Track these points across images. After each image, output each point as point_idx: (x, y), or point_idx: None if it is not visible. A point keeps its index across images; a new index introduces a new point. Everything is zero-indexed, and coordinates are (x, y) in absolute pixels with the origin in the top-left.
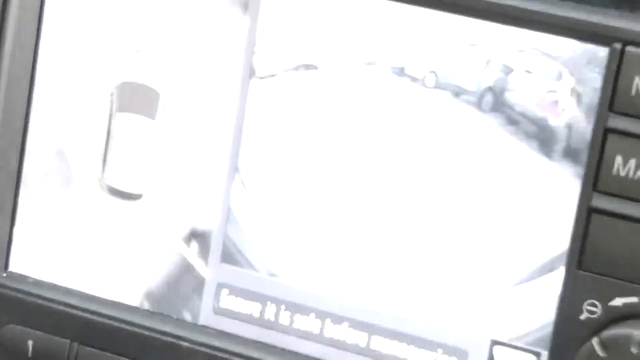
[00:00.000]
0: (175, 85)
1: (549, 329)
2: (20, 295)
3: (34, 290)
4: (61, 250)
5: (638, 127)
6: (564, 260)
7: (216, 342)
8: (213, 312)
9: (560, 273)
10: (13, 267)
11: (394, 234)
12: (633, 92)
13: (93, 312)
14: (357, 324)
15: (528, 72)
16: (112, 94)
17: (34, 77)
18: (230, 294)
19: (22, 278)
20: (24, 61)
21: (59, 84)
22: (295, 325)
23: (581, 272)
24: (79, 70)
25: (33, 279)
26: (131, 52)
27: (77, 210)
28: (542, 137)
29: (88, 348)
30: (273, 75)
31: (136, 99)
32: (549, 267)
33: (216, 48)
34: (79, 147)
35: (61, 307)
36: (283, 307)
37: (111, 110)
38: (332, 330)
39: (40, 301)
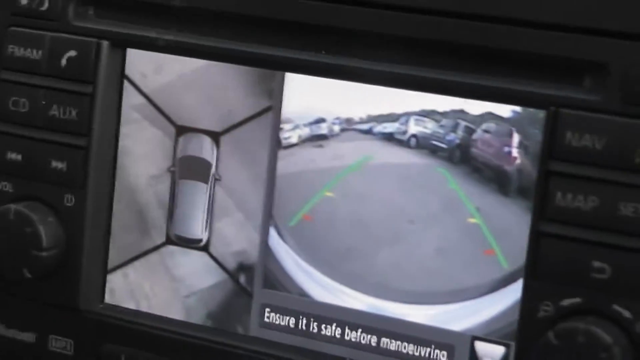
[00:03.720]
0: (222, 156)
1: (515, 325)
2: (112, 321)
3: (124, 317)
4: (142, 285)
5: (572, 169)
6: (522, 272)
7: (263, 349)
8: (259, 325)
9: (521, 282)
10: (107, 299)
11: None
12: (567, 142)
13: (168, 331)
14: (368, 329)
15: (486, 131)
16: (174, 166)
17: (116, 162)
18: (271, 311)
19: (114, 307)
20: (108, 147)
21: (133, 161)
22: (322, 332)
23: (537, 281)
24: (149, 148)
25: (122, 307)
26: (187, 133)
27: (152, 254)
28: (500, 180)
29: (165, 359)
30: (295, 145)
31: (193, 168)
32: (513, 278)
33: (252, 126)
34: (152, 207)
35: (144, 328)
36: (312, 319)
37: (174, 177)
38: (350, 335)
39: (129, 324)
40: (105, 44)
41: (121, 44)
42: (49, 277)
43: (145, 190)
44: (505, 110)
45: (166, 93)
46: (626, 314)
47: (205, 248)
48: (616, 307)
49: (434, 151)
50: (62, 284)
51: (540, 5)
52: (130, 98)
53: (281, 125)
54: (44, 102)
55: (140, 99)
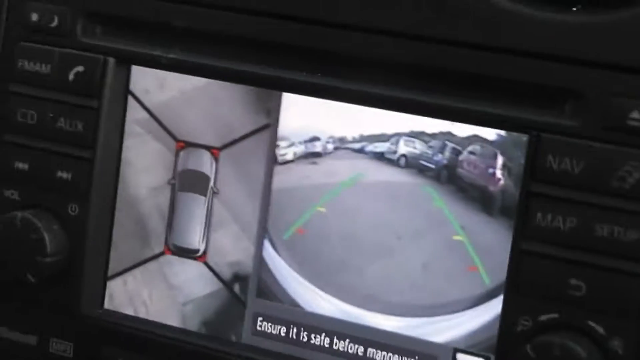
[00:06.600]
0: (220, 170)
1: (495, 339)
2: (111, 326)
3: (123, 322)
4: (141, 292)
5: (552, 191)
6: (503, 288)
7: (255, 356)
8: (251, 334)
9: (501, 298)
10: (106, 305)
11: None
12: (547, 165)
13: (166, 337)
14: (355, 340)
15: (472, 153)
16: (174, 179)
17: (118, 174)
18: (263, 320)
19: (113, 313)
20: (111, 159)
21: (135, 173)
22: (311, 342)
23: (517, 296)
24: (151, 161)
25: (120, 313)
26: (187, 148)
27: (151, 263)
28: (484, 200)
29: None
30: (290, 162)
31: (192, 181)
32: (494, 294)
33: (250, 142)
34: (152, 218)
35: (143, 334)
36: (302, 328)
37: (174, 190)
38: (338, 345)
39: (127, 330)
40: (111, 60)
41: (126, 61)
42: (52, 283)
43: (146, 201)
44: (490, 133)
45: (168, 109)
46: (600, 329)
47: (202, 258)
48: (591, 323)
49: (422, 171)
50: (64, 289)
51: (524, 34)
52: (134, 113)
53: (277, 143)
54: (51, 115)
55: (144, 114)
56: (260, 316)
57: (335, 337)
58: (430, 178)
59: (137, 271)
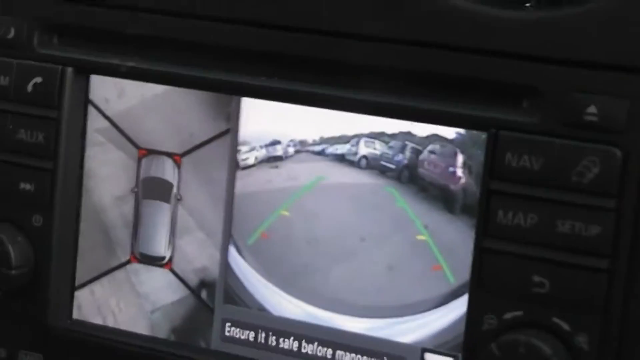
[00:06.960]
0: (183, 177)
1: (462, 338)
2: (80, 336)
3: (92, 332)
4: (109, 301)
5: (512, 188)
6: (468, 287)
7: None
8: (220, 339)
9: (466, 297)
10: (75, 315)
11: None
12: (506, 163)
13: (134, 345)
14: (324, 342)
15: (432, 152)
16: (137, 187)
17: (82, 183)
18: (232, 325)
19: (82, 323)
20: (74, 169)
21: (98, 182)
22: (280, 346)
23: (481, 295)
24: (114, 170)
25: (89, 323)
26: (149, 155)
27: (118, 272)
28: (446, 199)
29: None
30: (252, 166)
31: (155, 189)
32: (459, 293)
33: (211, 148)
34: (117, 226)
35: (113, 343)
36: (270, 333)
37: (138, 198)
38: (307, 348)
39: (96, 339)
40: (69, 70)
41: (85, 71)
42: (19, 295)
43: (110, 210)
44: (449, 132)
45: (129, 117)
46: (565, 326)
47: (168, 265)
48: (556, 320)
49: (383, 171)
50: (32, 301)
51: (479, 32)
52: (95, 122)
53: (239, 147)
54: (11, 127)
55: (104, 123)
56: (228, 322)
57: (303, 341)
58: (391, 178)
59: (104, 280)
